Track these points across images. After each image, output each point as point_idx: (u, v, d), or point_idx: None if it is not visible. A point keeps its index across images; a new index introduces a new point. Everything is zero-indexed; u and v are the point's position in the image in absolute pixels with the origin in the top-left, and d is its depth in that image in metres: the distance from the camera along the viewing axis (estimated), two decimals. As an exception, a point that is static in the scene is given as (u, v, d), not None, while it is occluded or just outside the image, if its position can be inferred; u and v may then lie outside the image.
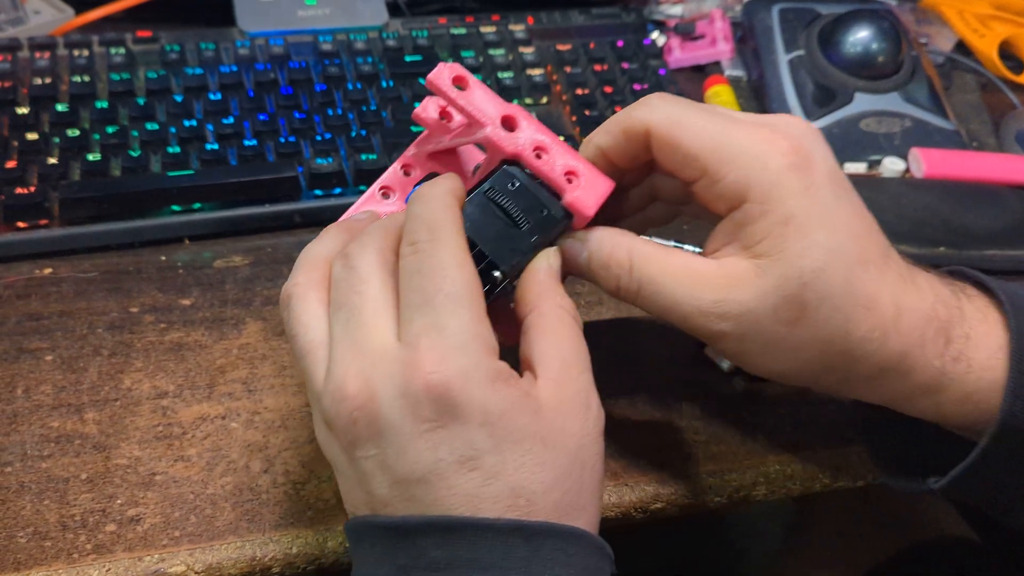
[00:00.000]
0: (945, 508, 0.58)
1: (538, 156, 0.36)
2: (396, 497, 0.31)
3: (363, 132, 0.56)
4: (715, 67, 0.71)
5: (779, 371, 0.35)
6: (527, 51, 0.64)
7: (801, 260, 0.32)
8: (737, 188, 0.33)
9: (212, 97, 0.56)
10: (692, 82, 0.69)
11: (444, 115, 0.41)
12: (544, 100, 0.62)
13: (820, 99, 0.64)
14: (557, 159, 0.36)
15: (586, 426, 0.33)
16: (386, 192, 0.41)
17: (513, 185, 0.35)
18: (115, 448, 0.42)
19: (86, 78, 0.56)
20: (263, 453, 0.42)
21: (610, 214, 0.38)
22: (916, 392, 0.35)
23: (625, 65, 0.64)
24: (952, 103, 0.68)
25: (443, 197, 0.34)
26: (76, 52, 0.59)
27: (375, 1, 0.66)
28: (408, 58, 0.61)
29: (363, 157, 0.54)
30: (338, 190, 0.54)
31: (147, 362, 0.46)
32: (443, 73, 0.36)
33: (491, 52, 0.63)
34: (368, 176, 0.54)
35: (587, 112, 0.60)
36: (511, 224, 0.35)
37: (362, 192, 0.54)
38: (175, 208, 0.52)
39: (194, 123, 0.55)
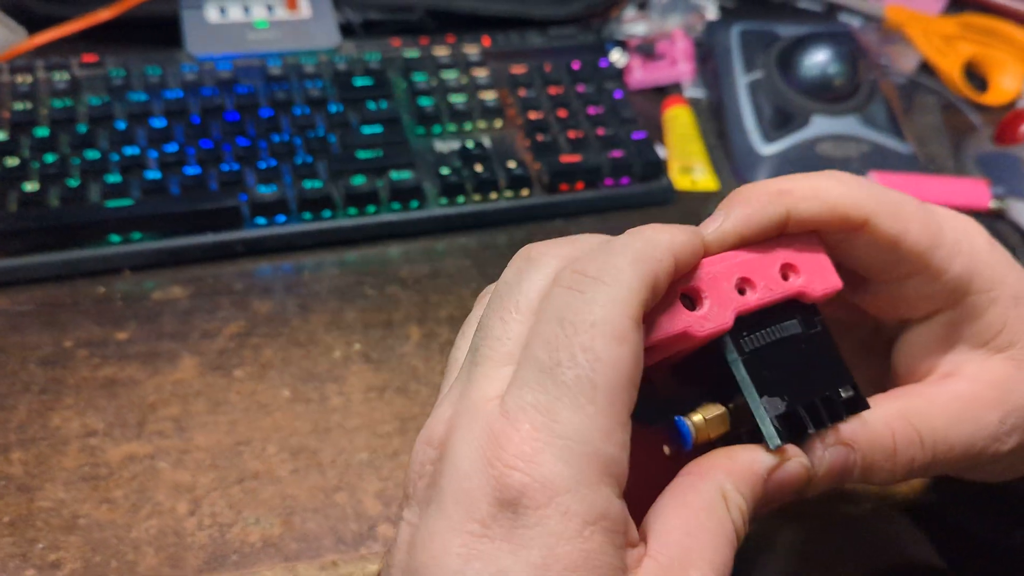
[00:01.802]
0: (912, 534, 0.58)
1: (743, 292, 0.27)
2: None
3: (309, 159, 0.55)
4: (676, 88, 0.70)
5: None
6: (480, 73, 0.63)
7: None
8: (962, 279, 0.30)
9: (155, 124, 0.55)
10: (650, 103, 0.68)
11: None
12: (498, 124, 0.61)
13: (778, 122, 0.63)
14: (766, 275, 0.28)
15: None
16: None
17: (754, 318, 0.27)
18: (39, 490, 0.41)
19: (28, 105, 0.56)
20: (191, 494, 0.41)
21: None
22: None
23: (580, 88, 0.64)
24: (913, 125, 0.68)
25: (648, 237, 0.25)
26: (20, 78, 0.58)
27: (328, 23, 0.65)
28: (358, 81, 0.60)
29: (307, 185, 0.54)
30: (281, 218, 0.53)
31: (78, 399, 0.45)
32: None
33: (443, 75, 0.62)
34: (312, 204, 0.53)
35: (540, 137, 0.59)
36: (800, 356, 0.28)
37: (306, 221, 0.54)
38: (114, 239, 0.51)
39: (136, 151, 0.54)
